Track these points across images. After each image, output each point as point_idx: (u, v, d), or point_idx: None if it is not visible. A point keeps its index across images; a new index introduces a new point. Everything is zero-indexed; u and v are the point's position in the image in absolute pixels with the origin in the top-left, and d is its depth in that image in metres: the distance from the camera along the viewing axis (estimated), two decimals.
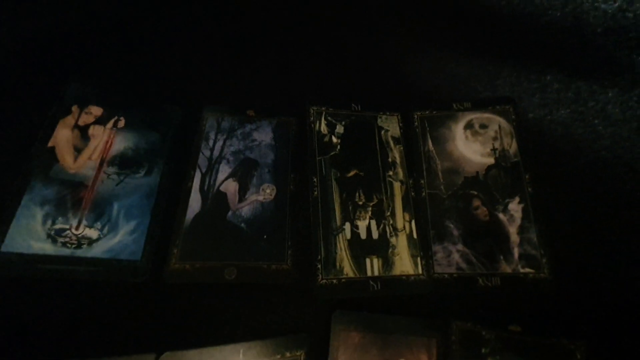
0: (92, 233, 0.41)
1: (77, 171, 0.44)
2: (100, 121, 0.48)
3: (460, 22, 0.59)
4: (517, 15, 0.55)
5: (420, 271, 0.44)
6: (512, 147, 0.50)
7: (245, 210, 0.46)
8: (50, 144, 0.44)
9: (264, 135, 0.51)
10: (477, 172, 0.49)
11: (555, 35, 0.53)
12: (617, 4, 0.48)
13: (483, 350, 0.39)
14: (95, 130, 0.47)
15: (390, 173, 0.49)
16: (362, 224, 0.45)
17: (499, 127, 0.51)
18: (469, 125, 0.52)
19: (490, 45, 0.56)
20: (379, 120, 0.53)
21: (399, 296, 0.43)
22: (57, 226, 0.40)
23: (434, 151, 0.51)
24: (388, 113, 0.53)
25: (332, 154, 0.49)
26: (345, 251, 0.44)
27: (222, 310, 0.40)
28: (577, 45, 0.52)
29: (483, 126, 0.52)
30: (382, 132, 0.52)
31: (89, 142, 0.46)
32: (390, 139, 0.51)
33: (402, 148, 0.51)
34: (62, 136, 0.45)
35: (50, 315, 0.38)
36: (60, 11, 0.55)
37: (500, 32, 0.57)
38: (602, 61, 0.51)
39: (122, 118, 0.48)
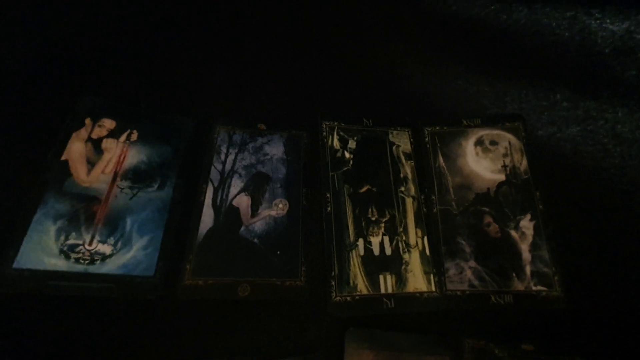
0: (105, 249, 0.40)
1: (91, 185, 0.43)
2: (114, 134, 0.47)
3: (470, 40, 0.60)
4: (526, 35, 0.56)
5: (433, 288, 0.44)
6: (523, 164, 0.50)
7: (258, 225, 0.46)
8: (63, 157, 0.44)
9: (275, 149, 0.51)
10: (488, 189, 0.49)
11: (564, 54, 0.54)
12: (625, 25, 0.50)
13: None
14: (109, 144, 0.47)
15: (402, 189, 0.49)
16: (375, 240, 0.45)
17: (509, 143, 0.52)
18: (479, 142, 0.52)
19: (499, 63, 0.57)
20: (390, 135, 0.53)
21: (412, 313, 0.42)
22: (70, 241, 0.40)
23: (444, 167, 0.51)
24: (399, 128, 0.54)
25: (344, 169, 0.49)
26: (359, 268, 0.44)
27: (235, 327, 0.40)
28: (585, 64, 0.53)
29: (493, 143, 0.52)
30: (394, 147, 0.52)
31: (102, 156, 0.46)
32: (401, 155, 0.52)
33: (413, 164, 0.51)
34: (76, 149, 0.45)
35: (63, 332, 0.37)
36: (73, 25, 0.55)
37: (509, 50, 0.58)
38: (611, 81, 0.52)
39: (135, 131, 0.48)
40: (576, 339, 0.41)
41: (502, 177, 0.50)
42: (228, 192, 0.47)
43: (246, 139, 0.51)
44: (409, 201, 0.49)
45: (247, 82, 0.56)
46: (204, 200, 0.46)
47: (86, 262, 0.39)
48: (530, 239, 0.46)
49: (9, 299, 0.37)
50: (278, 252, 0.44)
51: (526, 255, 0.45)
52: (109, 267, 0.40)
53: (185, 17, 0.61)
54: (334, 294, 0.42)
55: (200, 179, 0.47)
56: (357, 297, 0.42)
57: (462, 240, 0.46)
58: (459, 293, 0.44)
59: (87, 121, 0.47)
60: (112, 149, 0.46)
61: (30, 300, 0.38)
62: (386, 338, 0.40)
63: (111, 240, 0.41)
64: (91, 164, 0.45)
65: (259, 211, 0.46)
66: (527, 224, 0.47)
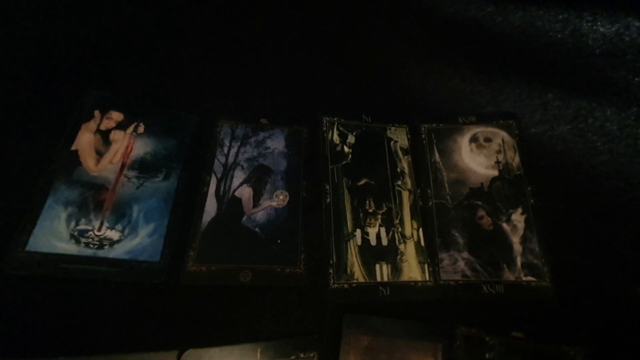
0: (113, 234, 0.42)
1: (99, 174, 0.45)
2: (121, 126, 0.49)
3: (466, 41, 0.62)
4: (520, 36, 0.58)
5: (427, 277, 0.46)
6: (515, 160, 0.52)
7: (260, 215, 0.47)
8: (73, 148, 0.46)
9: (276, 143, 0.53)
10: (482, 184, 0.51)
11: (556, 55, 0.56)
12: (614, 28, 0.51)
13: (487, 356, 0.40)
14: (116, 135, 0.48)
15: (399, 182, 0.51)
16: (372, 231, 0.47)
17: (503, 140, 0.54)
18: (473, 139, 0.54)
19: (494, 64, 0.59)
20: (388, 131, 0.55)
21: (407, 301, 0.44)
22: (80, 227, 0.41)
23: (440, 162, 0.53)
24: (397, 125, 0.55)
25: (343, 163, 0.51)
26: (356, 257, 0.45)
27: (236, 312, 0.41)
28: (577, 65, 0.55)
29: (487, 139, 0.54)
30: (392, 143, 0.54)
31: (110, 147, 0.47)
32: (399, 150, 0.53)
33: (410, 159, 0.53)
34: (85, 140, 0.47)
35: (71, 314, 0.39)
36: (83, 20, 0.57)
37: (503, 51, 0.59)
38: (601, 81, 0.54)
39: (141, 124, 0.50)
40: (564, 327, 0.43)
41: (495, 172, 0.51)
42: (231, 183, 0.49)
43: (248, 133, 0.53)
44: (405, 194, 0.50)
45: (250, 78, 0.58)
46: (207, 191, 0.48)
47: (95, 246, 0.41)
48: (521, 231, 0.48)
49: (22, 280, 0.39)
50: (279, 241, 0.46)
51: (517, 247, 0.47)
52: (117, 252, 0.41)
53: (191, 17, 0.63)
54: (332, 281, 0.44)
55: (204, 171, 0.49)
56: (354, 285, 0.44)
57: (456, 233, 0.48)
58: (452, 283, 0.45)
59: (96, 113, 0.49)
60: (120, 140, 0.48)
61: (41, 282, 0.39)
62: (381, 324, 0.42)
63: (119, 226, 0.42)
64: (99, 154, 0.46)
65: (261, 202, 0.48)
66: (518, 217, 0.48)
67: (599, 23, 0.57)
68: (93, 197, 0.43)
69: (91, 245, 0.41)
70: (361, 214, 0.48)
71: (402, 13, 0.66)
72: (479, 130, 0.55)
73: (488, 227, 0.48)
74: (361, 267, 0.45)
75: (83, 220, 0.42)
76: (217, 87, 0.57)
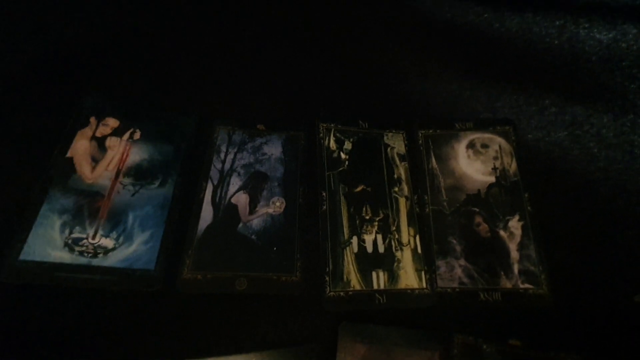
0: (108, 242, 0.42)
1: (95, 181, 0.45)
2: (117, 133, 0.49)
3: (464, 47, 0.62)
4: (517, 42, 0.58)
5: (424, 285, 0.45)
6: (512, 166, 0.52)
7: (256, 222, 0.47)
8: (68, 155, 0.46)
9: (273, 149, 0.53)
10: (479, 190, 0.51)
11: (553, 61, 0.56)
12: (611, 35, 0.52)
13: None
14: (112, 142, 0.48)
15: (396, 189, 0.51)
16: (368, 238, 0.47)
17: (500, 147, 0.54)
18: (471, 145, 0.54)
19: (492, 70, 0.59)
20: (385, 137, 0.55)
21: (404, 309, 0.44)
22: (75, 235, 0.41)
23: (437, 169, 0.53)
24: (394, 131, 0.55)
25: (340, 169, 0.51)
26: (353, 264, 0.45)
27: (232, 320, 0.41)
28: (573, 71, 0.55)
29: (484, 146, 0.54)
30: (388, 149, 0.54)
31: (106, 153, 0.47)
32: (396, 156, 0.53)
33: (407, 165, 0.53)
34: (80, 147, 0.46)
35: (66, 323, 0.38)
36: (79, 26, 0.57)
37: (501, 57, 0.60)
38: (597, 87, 0.54)
39: (137, 130, 0.50)
40: (561, 335, 0.42)
41: (493, 179, 0.51)
42: (227, 190, 0.49)
43: (245, 139, 0.53)
44: (402, 201, 0.50)
45: (247, 84, 0.58)
46: (203, 198, 0.47)
47: (89, 255, 0.41)
48: (518, 238, 0.47)
49: (16, 289, 0.39)
50: (275, 248, 0.45)
51: (514, 254, 0.47)
52: (112, 260, 0.41)
53: (188, 21, 0.63)
54: (328, 289, 0.43)
55: (201, 177, 0.49)
56: (350, 293, 0.44)
57: (453, 240, 0.48)
58: (449, 290, 0.45)
59: (92, 120, 0.49)
60: (116, 147, 0.48)
61: (35, 290, 0.39)
62: (378, 332, 0.41)
63: (114, 234, 0.42)
64: (95, 161, 0.46)
65: (257, 209, 0.48)
66: (515, 224, 0.48)
67: (595, 30, 0.57)
68: (88, 205, 0.43)
69: (85, 254, 0.40)
70: (358, 221, 0.48)
71: (399, 19, 0.66)
72: (476, 136, 0.54)
73: (485, 234, 0.48)
74: (357, 275, 0.45)
75: (77, 228, 0.42)
76: (214, 92, 0.57)
